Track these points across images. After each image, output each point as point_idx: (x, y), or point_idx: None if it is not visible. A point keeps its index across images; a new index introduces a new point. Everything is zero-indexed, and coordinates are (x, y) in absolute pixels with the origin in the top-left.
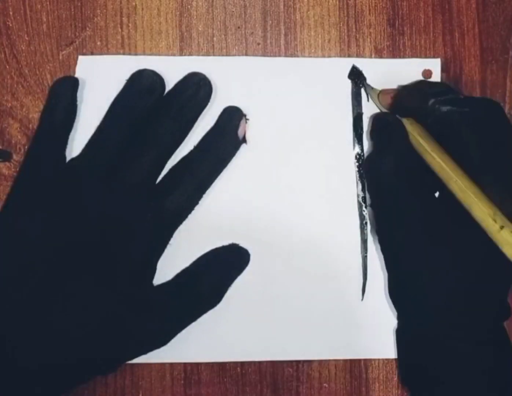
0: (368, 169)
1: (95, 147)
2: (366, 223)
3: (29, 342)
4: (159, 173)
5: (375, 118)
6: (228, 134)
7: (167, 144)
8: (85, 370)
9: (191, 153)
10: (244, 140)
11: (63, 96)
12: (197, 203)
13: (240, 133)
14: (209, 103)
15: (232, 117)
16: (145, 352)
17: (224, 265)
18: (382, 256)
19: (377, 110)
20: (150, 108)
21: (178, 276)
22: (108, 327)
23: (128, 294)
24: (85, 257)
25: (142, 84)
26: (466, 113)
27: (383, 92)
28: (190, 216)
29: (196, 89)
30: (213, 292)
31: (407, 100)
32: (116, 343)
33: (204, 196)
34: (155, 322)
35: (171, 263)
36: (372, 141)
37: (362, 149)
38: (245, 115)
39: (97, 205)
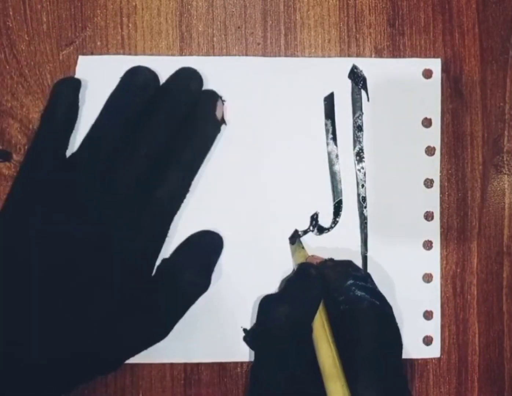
0: (263, 305)
1: (91, 145)
2: (366, 223)
3: (27, 341)
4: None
5: (301, 264)
6: (206, 117)
7: (161, 139)
8: (84, 369)
9: (172, 140)
10: (223, 121)
11: (65, 97)
12: (187, 190)
13: (218, 114)
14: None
15: (208, 99)
16: (145, 347)
17: (202, 250)
18: (382, 256)
19: (377, 110)
20: (144, 104)
21: (161, 268)
22: (107, 324)
23: (127, 290)
24: (84, 254)
25: (137, 80)
26: (375, 305)
27: (312, 256)
28: (185, 208)
29: (187, 83)
30: (200, 277)
31: (330, 270)
32: (116, 339)
33: (200, 186)
34: (152, 316)
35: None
36: (287, 282)
37: (362, 149)
38: (221, 97)
39: (95, 201)
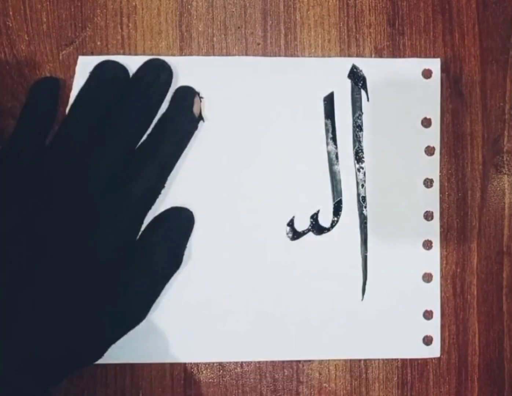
0: None
1: (61, 141)
2: (366, 222)
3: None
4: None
5: None
6: (184, 113)
7: (131, 133)
8: (68, 361)
9: (149, 136)
10: (200, 117)
11: (42, 96)
12: (163, 186)
13: (195, 110)
14: (208, 102)
15: (185, 96)
16: (124, 332)
17: (173, 228)
18: (382, 256)
19: (377, 110)
20: (115, 98)
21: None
22: (82, 318)
23: (101, 284)
24: (56, 249)
25: (104, 74)
26: None
27: None
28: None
29: (156, 75)
30: (170, 256)
31: None
32: (96, 328)
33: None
34: (128, 300)
35: None
36: None
37: (361, 149)
38: (198, 93)
39: (66, 198)
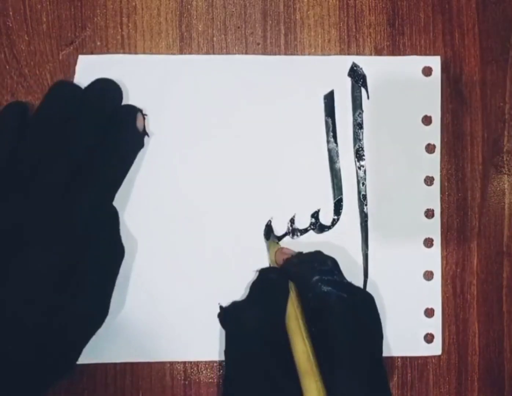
0: (229, 312)
1: (12, 162)
2: (366, 220)
3: None
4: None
5: (261, 270)
6: (126, 129)
7: (77, 151)
8: (37, 374)
9: (95, 154)
10: (145, 132)
11: (11, 121)
12: (110, 201)
13: (139, 126)
14: (208, 102)
15: (128, 112)
16: (91, 332)
17: (101, 224)
18: (383, 254)
19: (377, 108)
20: (66, 118)
21: None
22: (41, 331)
23: (51, 300)
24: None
25: (60, 95)
26: (342, 298)
27: (280, 250)
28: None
29: (103, 94)
30: (108, 247)
31: (296, 268)
32: (53, 340)
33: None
34: (81, 305)
35: None
36: (250, 291)
37: (362, 147)
38: (141, 110)
39: (11, 214)
